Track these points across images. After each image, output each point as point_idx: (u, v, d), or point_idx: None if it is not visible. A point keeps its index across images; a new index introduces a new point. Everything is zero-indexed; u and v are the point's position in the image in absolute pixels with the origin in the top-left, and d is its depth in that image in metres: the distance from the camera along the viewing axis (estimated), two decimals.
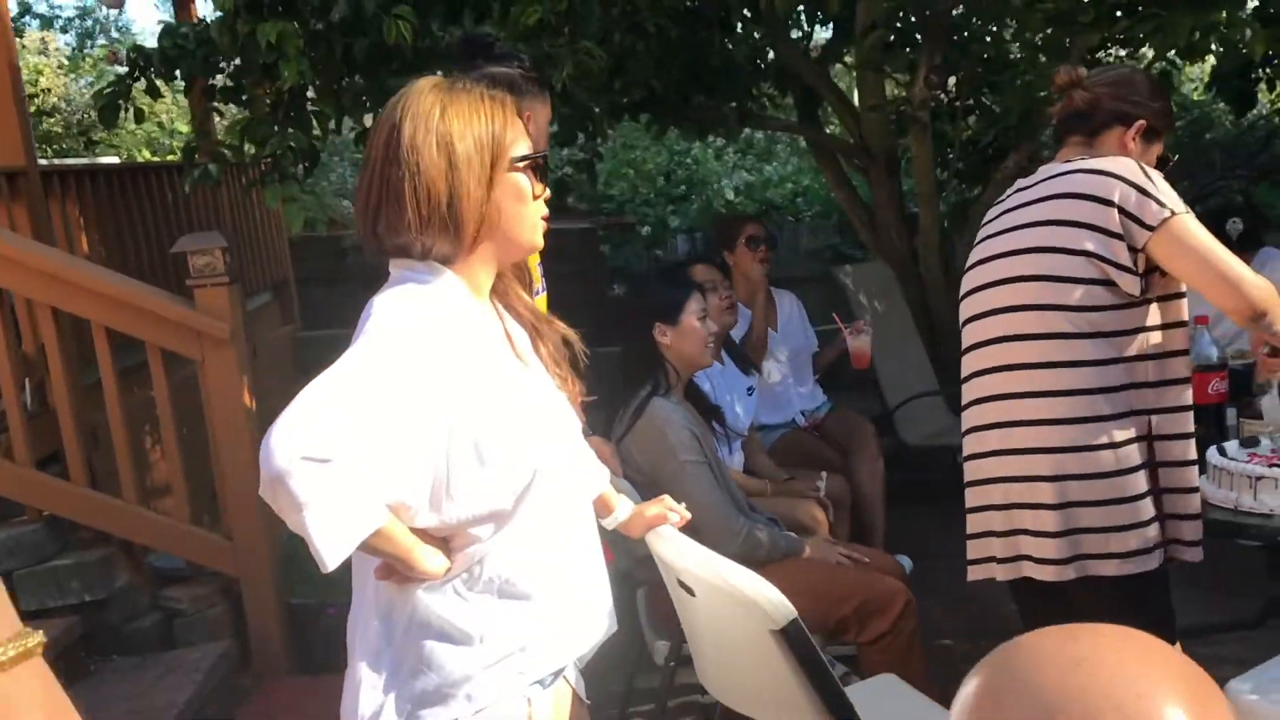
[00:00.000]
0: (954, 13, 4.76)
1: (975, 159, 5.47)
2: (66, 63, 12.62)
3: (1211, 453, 2.44)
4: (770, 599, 1.81)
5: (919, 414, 4.56)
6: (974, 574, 2.29)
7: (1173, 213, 2.01)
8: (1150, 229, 2.00)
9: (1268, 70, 4.80)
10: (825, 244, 7.20)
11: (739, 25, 5.26)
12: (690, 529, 2.05)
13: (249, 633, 3.37)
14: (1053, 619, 2.26)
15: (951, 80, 5.06)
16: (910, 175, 5.70)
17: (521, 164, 1.53)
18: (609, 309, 5.91)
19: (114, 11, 15.88)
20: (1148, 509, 2.07)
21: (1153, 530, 2.07)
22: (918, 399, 4.56)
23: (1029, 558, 2.13)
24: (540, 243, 1.62)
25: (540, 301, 2.30)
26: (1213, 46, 3.51)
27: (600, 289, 6.68)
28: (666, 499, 2.03)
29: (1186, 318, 2.14)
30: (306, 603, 3.50)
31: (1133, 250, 2.02)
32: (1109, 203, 2.03)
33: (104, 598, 3.28)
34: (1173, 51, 3.57)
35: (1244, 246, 3.45)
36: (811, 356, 4.19)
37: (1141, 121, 2.24)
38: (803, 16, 5.42)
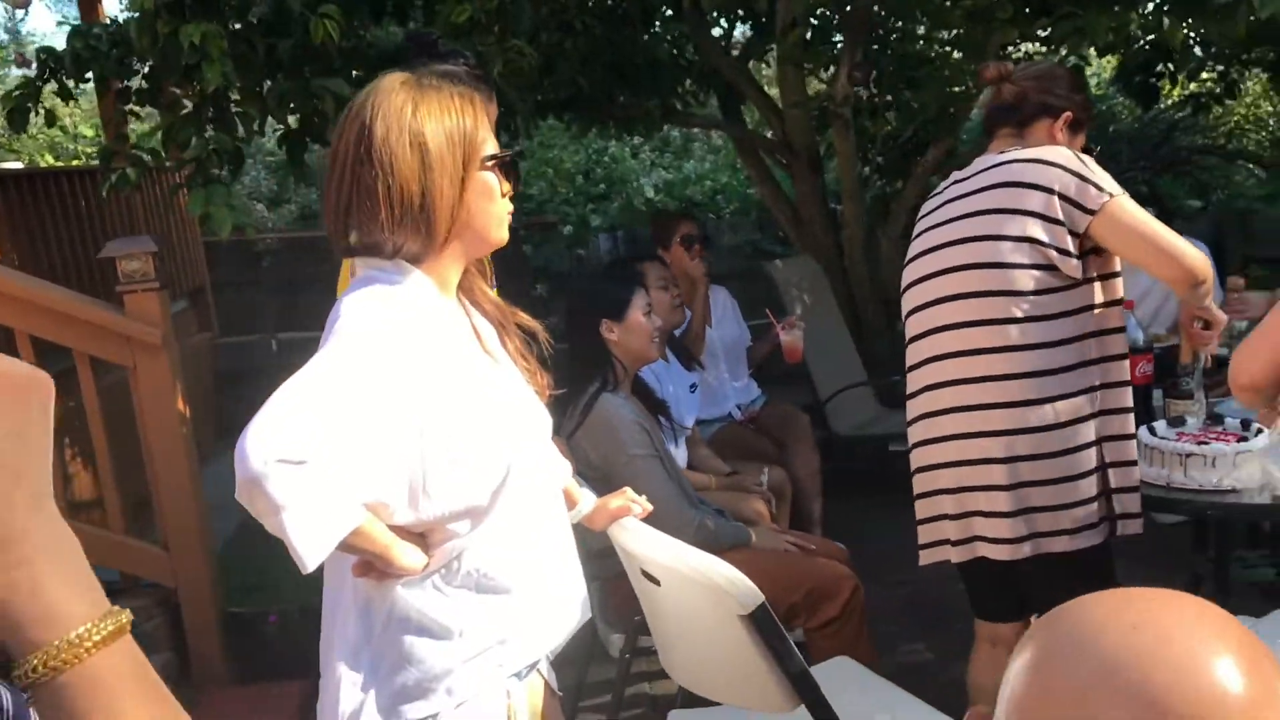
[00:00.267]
0: (874, 10, 4.86)
1: (896, 154, 5.60)
2: None
3: (1142, 432, 2.54)
4: (738, 584, 1.85)
5: (849, 405, 4.65)
6: (926, 558, 2.34)
7: (1111, 195, 2.10)
8: (1091, 213, 2.09)
9: (1170, 66, 4.99)
10: (745, 240, 7.30)
11: (659, 23, 5.31)
12: (644, 521, 2.07)
13: (188, 644, 3.30)
14: (1004, 597, 2.35)
15: (872, 76, 5.17)
16: (833, 171, 5.81)
17: (490, 162, 1.54)
18: (536, 309, 5.90)
19: (20, 11, 15.32)
20: (1095, 485, 2.16)
21: (1099, 505, 2.16)
22: (848, 390, 4.65)
23: (983, 538, 2.20)
24: (506, 238, 1.63)
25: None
26: (1136, 33, 3.64)
27: (524, 289, 6.67)
28: (628, 491, 2.05)
29: (1122, 295, 2.24)
30: (246, 612, 3.45)
31: (1074, 234, 2.10)
32: (1050, 190, 2.11)
33: None
34: (1090, 49, 3.70)
35: None
36: (745, 351, 4.25)
37: (1067, 113, 2.34)
38: (721, 17, 5.48)
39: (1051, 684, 0.66)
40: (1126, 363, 2.23)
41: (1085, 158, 2.19)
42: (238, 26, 3.75)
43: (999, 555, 2.18)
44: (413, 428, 1.41)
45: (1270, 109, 8.29)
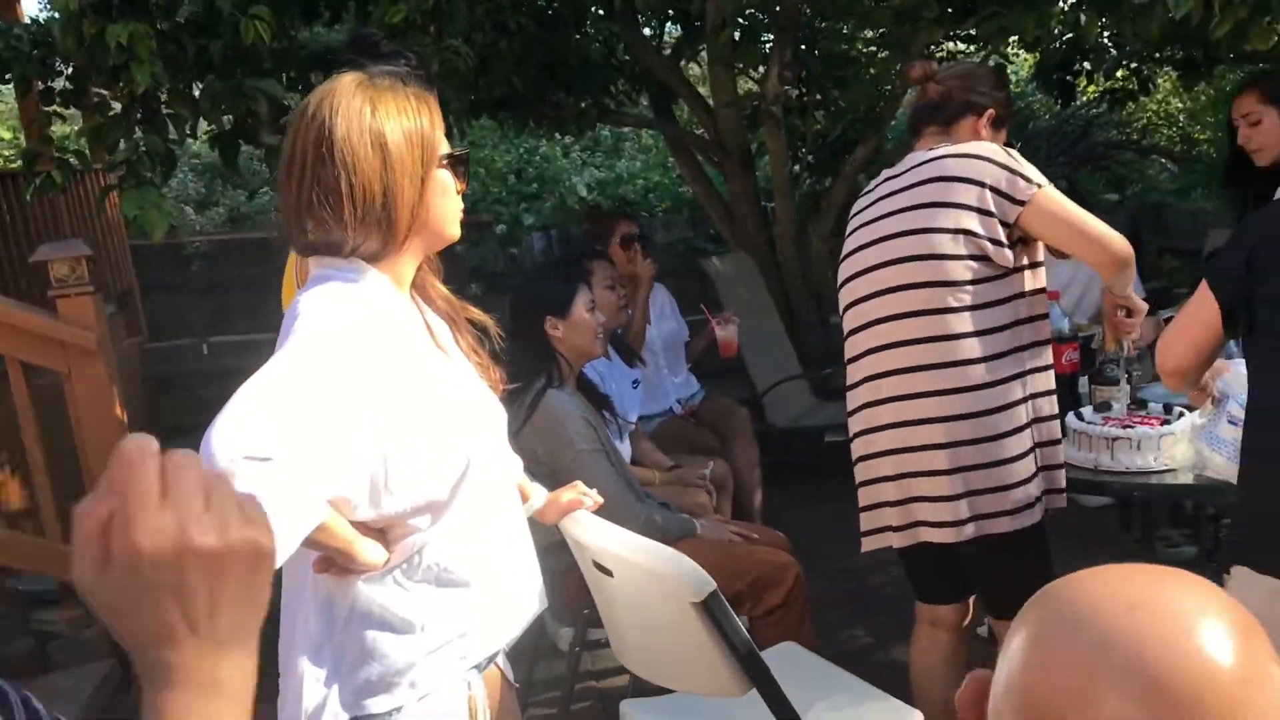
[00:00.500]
0: (803, 9, 4.94)
1: (825, 153, 5.70)
2: None
3: (1070, 418, 2.64)
4: (691, 573, 1.89)
5: (785, 398, 4.73)
6: (868, 544, 2.41)
7: (1039, 186, 2.20)
8: (1021, 204, 2.18)
9: (1087, 63, 5.15)
10: (678, 238, 7.35)
11: (590, 24, 5.34)
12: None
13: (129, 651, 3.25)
14: (946, 580, 2.43)
15: (801, 75, 5.25)
16: (765, 169, 5.89)
17: (446, 161, 1.56)
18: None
19: None
20: (1030, 465, 2.24)
21: (1035, 485, 2.25)
22: (784, 383, 4.73)
23: (925, 523, 2.27)
24: (459, 234, 1.65)
25: None
26: (1055, 30, 3.76)
27: (459, 289, 6.65)
28: (579, 484, 2.08)
29: (1045, 285, 2.33)
30: None
31: (1005, 225, 2.19)
32: (981, 183, 2.20)
33: None
34: (1013, 44, 3.81)
35: None
36: (684, 345, 4.31)
37: (991, 111, 2.43)
38: (653, 17, 5.53)
39: (1050, 659, 0.67)
40: (1050, 347, 2.33)
41: (1012, 151, 2.28)
42: (165, 27, 3.71)
43: (942, 538, 2.25)
44: (374, 424, 1.43)
45: (1180, 106, 8.57)
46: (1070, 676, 0.66)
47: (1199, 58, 4.79)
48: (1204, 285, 1.94)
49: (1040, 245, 2.31)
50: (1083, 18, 3.31)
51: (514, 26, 4.11)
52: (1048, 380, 2.30)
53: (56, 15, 3.66)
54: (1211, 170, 7.08)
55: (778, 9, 4.79)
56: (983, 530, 2.22)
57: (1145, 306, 2.39)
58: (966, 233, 2.19)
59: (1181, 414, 2.55)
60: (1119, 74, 5.44)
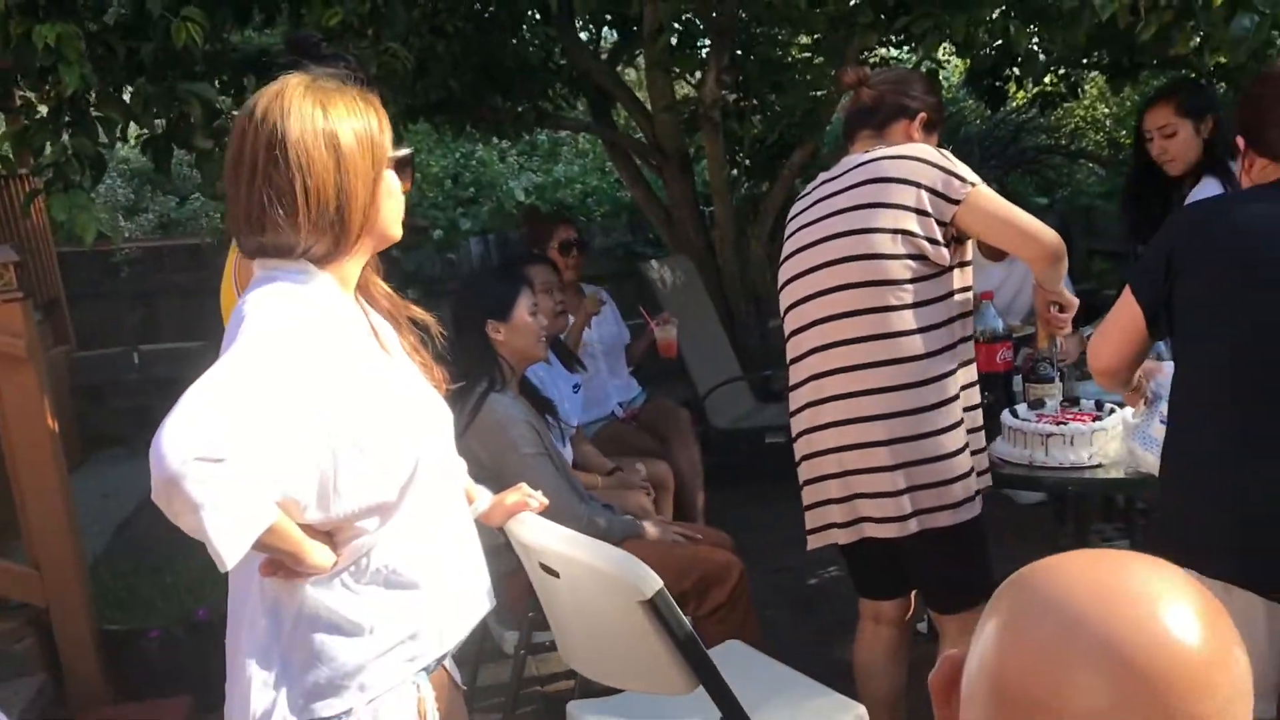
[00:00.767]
0: (740, 16, 4.98)
1: (763, 156, 5.74)
2: None
3: (1005, 415, 2.69)
4: (637, 572, 1.90)
5: (725, 400, 4.76)
6: (814, 542, 2.43)
7: (973, 185, 2.25)
8: (956, 203, 2.23)
9: (1016, 70, 5.25)
10: (617, 243, 7.36)
11: (527, 28, 5.34)
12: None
13: (63, 665, 3.19)
14: (888, 575, 2.47)
15: (739, 80, 5.30)
16: (703, 173, 5.93)
17: (391, 162, 1.56)
18: None
19: None
20: (968, 460, 2.29)
21: (973, 479, 2.30)
22: (724, 385, 4.76)
23: (869, 519, 2.30)
24: (401, 234, 1.65)
25: None
26: (984, 38, 3.84)
27: (397, 292, 6.60)
28: (524, 486, 2.08)
29: (972, 283, 2.39)
30: (122, 629, 3.35)
31: (942, 224, 2.24)
32: (918, 184, 2.24)
33: None
34: (945, 51, 3.87)
35: None
36: (625, 349, 4.32)
37: (923, 114, 2.48)
38: (590, 22, 5.54)
39: (1022, 641, 0.69)
40: (973, 343, 2.39)
41: (945, 152, 2.33)
42: (94, 28, 3.64)
43: (886, 534, 2.29)
44: (324, 424, 1.42)
45: (1107, 111, 8.77)
46: (1041, 658, 0.68)
47: (1125, 63, 4.91)
48: (1128, 288, 2.00)
49: (969, 245, 2.36)
50: (1012, 27, 3.39)
51: (451, 30, 4.10)
52: (970, 374, 2.37)
53: None
54: None
55: (714, 15, 4.83)
56: (925, 524, 2.25)
57: (1076, 301, 2.46)
58: (905, 233, 2.23)
59: (1113, 410, 2.61)
60: (1047, 79, 5.56)
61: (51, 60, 3.41)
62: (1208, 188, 3.10)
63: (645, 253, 6.79)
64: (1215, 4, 2.67)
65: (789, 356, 2.44)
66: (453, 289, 5.30)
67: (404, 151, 1.59)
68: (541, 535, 2.06)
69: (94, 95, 3.75)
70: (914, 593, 2.52)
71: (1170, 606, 0.68)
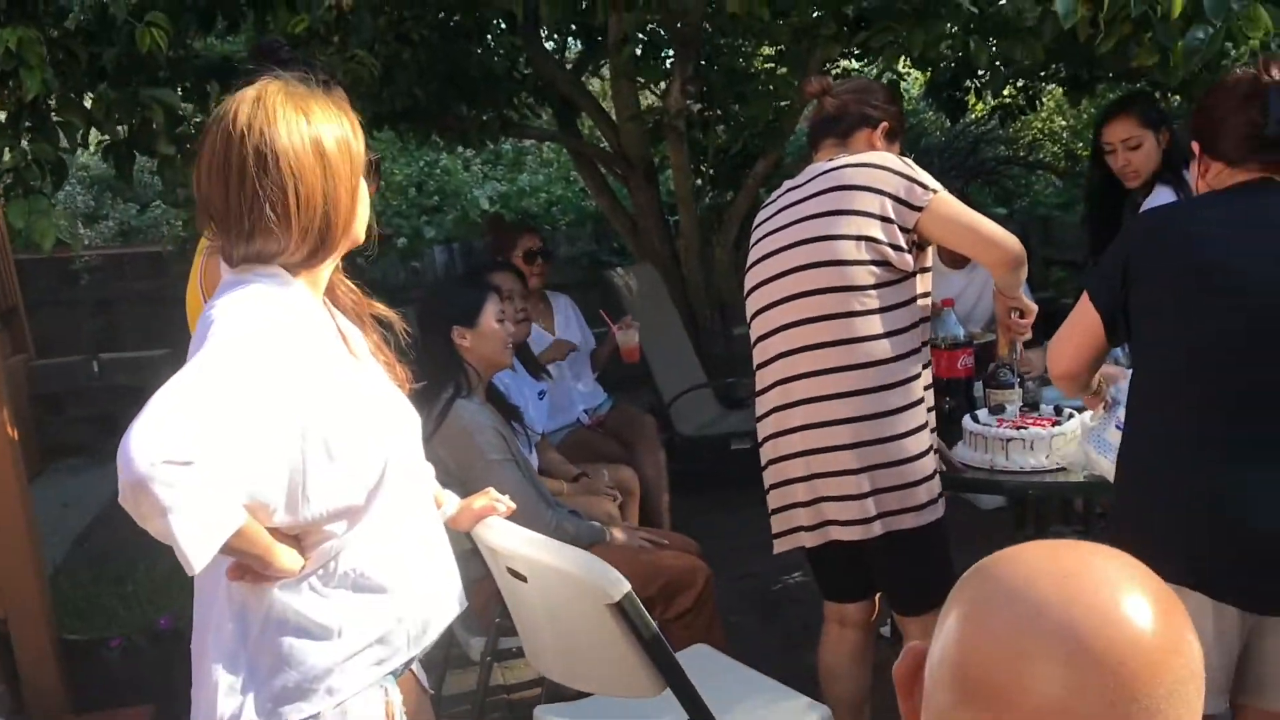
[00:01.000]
0: (705, 26, 5.02)
1: (727, 165, 5.79)
2: None
3: (966, 420, 2.73)
4: (605, 575, 1.91)
5: (691, 407, 4.78)
6: (780, 546, 2.46)
7: (935, 191, 2.29)
8: (919, 209, 2.27)
9: (976, 82, 5.33)
10: (582, 251, 7.38)
11: (492, 37, 5.35)
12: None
13: (22, 675, 3.14)
14: (854, 578, 2.50)
15: (703, 90, 5.33)
16: (668, 182, 5.96)
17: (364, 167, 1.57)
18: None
19: None
20: (931, 463, 2.33)
21: (936, 481, 2.33)
22: (689, 392, 4.78)
23: (835, 522, 2.33)
24: (364, 237, 1.66)
25: None
26: (945, 52, 3.90)
27: None
28: (491, 491, 2.09)
29: (931, 289, 2.43)
30: (82, 639, 3.31)
31: (904, 230, 2.28)
32: (882, 191, 2.28)
33: None
34: (905, 63, 3.92)
35: None
36: (590, 355, 4.33)
37: (885, 124, 2.52)
38: (555, 32, 5.57)
39: (983, 629, 0.71)
40: (928, 347, 2.43)
41: (908, 160, 2.37)
42: (56, 34, 3.61)
43: (851, 536, 2.31)
44: (293, 428, 1.42)
45: (1064, 123, 8.91)
46: (1003, 644, 0.70)
47: (1084, 75, 4.99)
48: (1086, 294, 2.04)
49: (929, 251, 2.40)
50: (972, 42, 3.44)
51: (416, 38, 4.10)
52: (929, 376, 2.41)
53: None
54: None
55: (679, 25, 4.86)
56: (889, 527, 2.28)
57: (1035, 308, 2.50)
58: (869, 239, 2.27)
59: (1072, 415, 2.66)
60: (1007, 91, 5.64)
61: (12, 65, 3.38)
62: (1161, 196, 3.15)
63: (610, 261, 6.81)
64: (1173, 16, 2.72)
65: (756, 361, 2.46)
66: (417, 297, 5.28)
67: (373, 155, 1.60)
68: (509, 539, 2.07)
69: (55, 100, 3.72)
70: (878, 596, 2.55)
71: (1128, 593, 0.70)
